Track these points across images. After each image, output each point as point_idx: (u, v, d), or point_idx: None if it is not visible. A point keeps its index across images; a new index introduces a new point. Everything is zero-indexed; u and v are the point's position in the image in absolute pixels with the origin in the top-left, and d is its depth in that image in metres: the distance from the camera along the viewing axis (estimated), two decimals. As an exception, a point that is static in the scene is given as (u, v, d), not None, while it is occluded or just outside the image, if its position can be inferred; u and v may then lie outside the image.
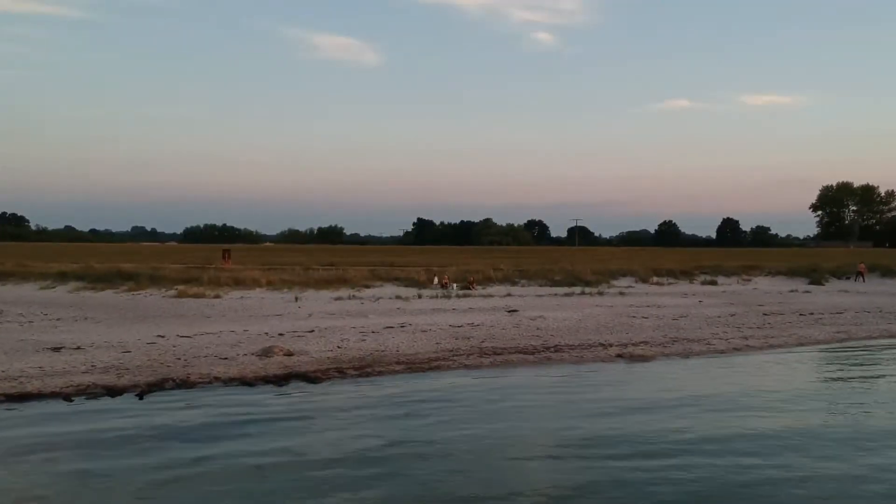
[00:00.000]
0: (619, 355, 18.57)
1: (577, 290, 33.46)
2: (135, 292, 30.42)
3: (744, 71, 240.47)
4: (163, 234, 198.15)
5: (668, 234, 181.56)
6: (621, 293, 33.17)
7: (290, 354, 17.38)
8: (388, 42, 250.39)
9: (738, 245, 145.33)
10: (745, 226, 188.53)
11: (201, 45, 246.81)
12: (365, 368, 16.10)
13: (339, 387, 14.50)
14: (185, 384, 14.52)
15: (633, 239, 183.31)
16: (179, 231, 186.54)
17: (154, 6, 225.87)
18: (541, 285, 35.24)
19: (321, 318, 23.64)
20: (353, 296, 29.85)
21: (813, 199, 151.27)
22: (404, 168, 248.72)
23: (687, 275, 39.04)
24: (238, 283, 31.99)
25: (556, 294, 32.34)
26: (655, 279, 37.68)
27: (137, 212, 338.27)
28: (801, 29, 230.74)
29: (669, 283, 37.30)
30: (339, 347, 18.32)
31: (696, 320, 24.65)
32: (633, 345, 19.89)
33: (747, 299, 31.67)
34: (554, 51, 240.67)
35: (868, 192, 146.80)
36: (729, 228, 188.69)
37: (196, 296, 29.08)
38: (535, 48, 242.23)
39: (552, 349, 19.00)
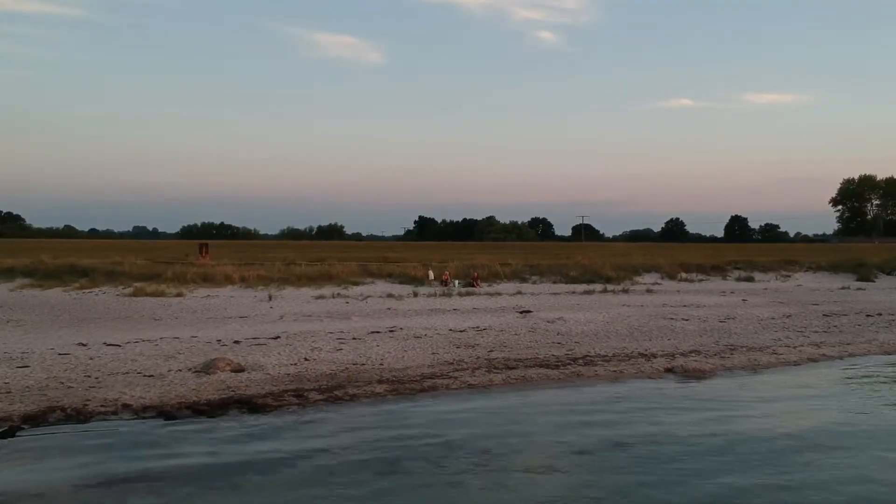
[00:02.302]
0: (668, 369, 14.40)
1: (598, 287, 29.18)
2: (86, 290, 26.23)
3: (745, 70, 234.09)
4: (164, 233, 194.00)
5: (674, 233, 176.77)
6: (649, 290, 28.88)
7: (239, 370, 13.22)
8: (391, 41, 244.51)
9: (749, 243, 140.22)
10: (753, 224, 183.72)
11: (202, 44, 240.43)
12: (334, 391, 11.92)
13: (292, 420, 10.32)
14: (78, 415, 10.38)
15: (638, 237, 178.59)
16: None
17: (154, 5, 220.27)
18: (555, 282, 30.97)
19: (293, 321, 19.46)
20: (338, 294, 25.65)
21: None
22: (406, 166, 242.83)
23: (719, 270, 34.71)
24: (207, 279, 27.79)
25: (574, 292, 28.07)
26: (684, 275, 33.36)
27: (138, 211, 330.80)
28: (800, 28, 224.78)
29: (700, 280, 32.97)
30: (305, 360, 14.13)
31: (747, 323, 20.43)
32: (681, 355, 15.71)
33: (797, 297, 27.38)
34: (556, 49, 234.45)
35: (892, 185, 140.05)
36: (737, 226, 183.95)
37: (154, 294, 24.91)
38: (537, 47, 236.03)
39: (581, 361, 14.82)
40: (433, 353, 15.16)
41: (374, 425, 10.03)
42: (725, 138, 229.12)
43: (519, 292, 27.70)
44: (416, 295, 26.04)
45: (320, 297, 24.93)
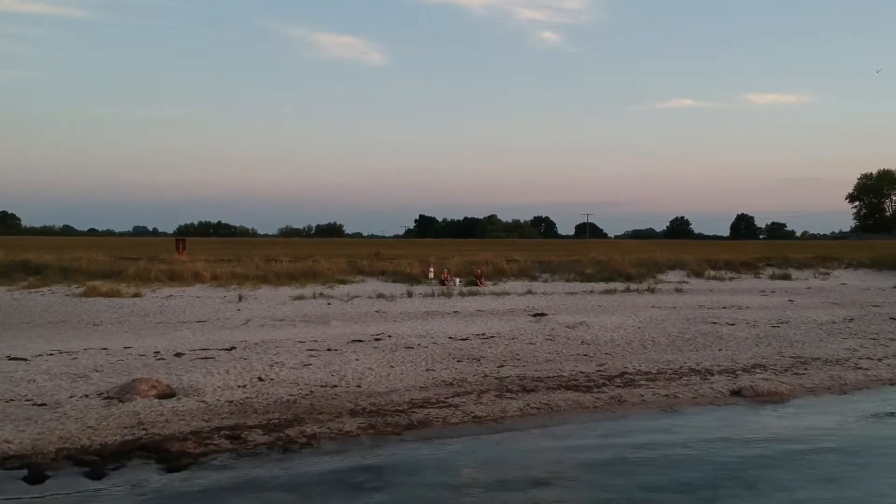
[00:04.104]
0: (734, 392, 11.03)
1: (619, 286, 25.73)
2: (34, 290, 22.87)
3: (746, 70, 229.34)
4: (164, 233, 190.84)
5: (679, 231, 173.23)
6: (678, 290, 25.41)
7: (166, 395, 9.85)
8: (392, 41, 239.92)
9: (756, 241, 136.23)
10: (758, 223, 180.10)
11: (202, 45, 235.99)
12: (287, 428, 8.54)
13: (211, 481, 6.93)
14: None
15: (641, 236, 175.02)
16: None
17: (154, 6, 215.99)
18: (568, 280, 27.52)
19: (259, 327, 16.09)
20: (321, 294, 22.25)
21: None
22: (407, 166, 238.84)
23: (750, 268, 31.20)
24: (174, 277, 24.44)
25: (592, 291, 24.61)
26: (712, 273, 29.89)
27: (138, 211, 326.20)
28: (801, 28, 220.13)
29: (731, 278, 29.49)
30: (259, 380, 10.76)
31: (806, 328, 17.03)
32: (744, 371, 12.33)
33: (850, 298, 23.90)
34: (558, 49, 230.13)
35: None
36: (743, 224, 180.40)
37: (108, 294, 21.57)
38: (540, 47, 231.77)
39: (619, 381, 11.43)
40: (427, 370, 11.80)
41: (329, 495, 6.62)
42: (727, 138, 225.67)
43: (529, 292, 24.27)
44: (410, 295, 22.62)
45: (299, 297, 21.53)
